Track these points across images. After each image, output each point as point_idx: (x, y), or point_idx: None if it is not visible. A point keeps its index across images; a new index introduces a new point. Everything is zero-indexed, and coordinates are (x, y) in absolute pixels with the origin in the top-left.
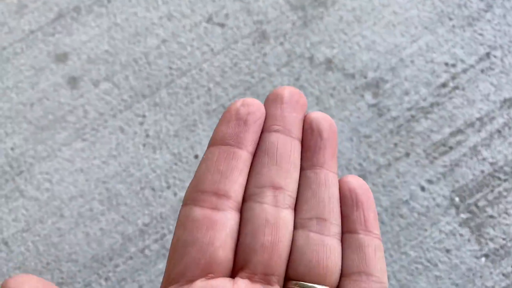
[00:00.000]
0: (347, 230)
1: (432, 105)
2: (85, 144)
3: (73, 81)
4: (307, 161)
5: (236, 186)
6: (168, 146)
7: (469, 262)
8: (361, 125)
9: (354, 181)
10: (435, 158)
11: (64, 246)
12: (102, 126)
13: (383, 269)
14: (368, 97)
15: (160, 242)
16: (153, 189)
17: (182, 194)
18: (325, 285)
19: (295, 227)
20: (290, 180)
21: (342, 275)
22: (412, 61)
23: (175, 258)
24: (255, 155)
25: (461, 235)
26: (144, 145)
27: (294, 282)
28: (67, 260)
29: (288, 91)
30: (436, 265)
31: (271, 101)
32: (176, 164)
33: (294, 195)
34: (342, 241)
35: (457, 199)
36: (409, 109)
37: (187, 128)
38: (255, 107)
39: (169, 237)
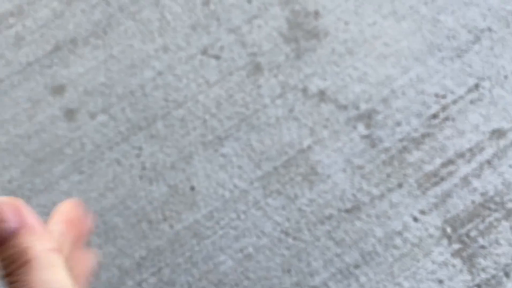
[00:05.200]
0: None
1: (423, 136)
2: (82, 177)
3: (70, 113)
4: None
5: None
6: (165, 178)
7: None
8: (354, 155)
9: None
10: (427, 189)
11: None
12: (99, 158)
13: None
14: (361, 128)
15: (158, 275)
16: (149, 222)
17: (178, 226)
18: None
19: None
20: None
21: None
22: (403, 92)
23: None
24: None
25: (453, 265)
26: (141, 177)
27: None
28: None
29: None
30: None
31: None
32: (172, 196)
33: None
34: None
35: (449, 229)
36: (401, 140)
37: (183, 160)
38: None
39: (166, 270)
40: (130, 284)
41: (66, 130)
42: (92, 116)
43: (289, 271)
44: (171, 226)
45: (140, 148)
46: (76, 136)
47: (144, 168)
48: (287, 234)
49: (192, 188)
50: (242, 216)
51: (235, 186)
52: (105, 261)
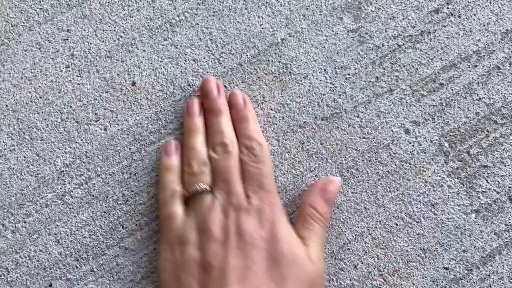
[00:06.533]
0: None
1: (422, 33)
2: None
3: None
4: None
5: None
6: (99, 69)
7: (457, 218)
8: (338, 53)
9: None
10: (422, 95)
11: None
12: (15, 40)
13: None
14: (348, 20)
15: (85, 187)
16: (77, 122)
17: (114, 129)
18: None
19: None
20: None
21: None
22: None
23: None
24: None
25: (449, 187)
26: (67, 66)
27: None
28: None
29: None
30: (419, 221)
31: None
32: (107, 92)
33: None
34: None
35: (446, 144)
36: (395, 37)
37: (123, 48)
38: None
39: (97, 181)
40: (49, 197)
41: None
42: None
43: None
44: (105, 128)
45: (68, 31)
46: None
47: (72, 55)
48: None
49: (133, 83)
50: None
51: (189, 83)
52: (18, 167)
